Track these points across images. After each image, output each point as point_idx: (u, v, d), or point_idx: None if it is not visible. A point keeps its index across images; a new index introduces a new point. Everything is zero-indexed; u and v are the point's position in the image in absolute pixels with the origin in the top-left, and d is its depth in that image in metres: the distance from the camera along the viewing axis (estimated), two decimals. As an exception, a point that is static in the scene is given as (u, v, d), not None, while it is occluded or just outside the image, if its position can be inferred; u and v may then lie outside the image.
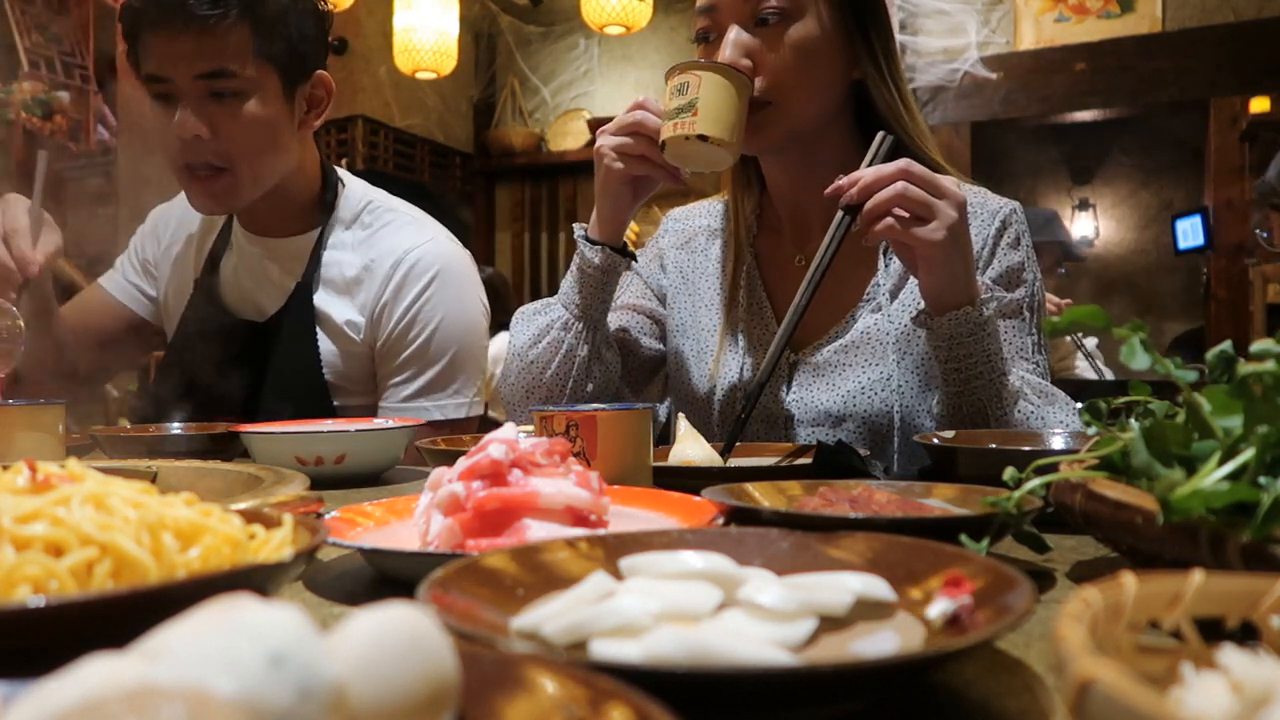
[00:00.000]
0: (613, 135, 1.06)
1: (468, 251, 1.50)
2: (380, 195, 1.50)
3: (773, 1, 1.06)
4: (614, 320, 1.26)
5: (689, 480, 0.82)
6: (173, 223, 1.56)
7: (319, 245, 1.41)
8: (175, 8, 1.19)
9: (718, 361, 1.19)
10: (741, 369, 1.17)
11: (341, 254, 1.42)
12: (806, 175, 1.16)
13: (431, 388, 1.41)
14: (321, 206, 1.43)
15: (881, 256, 1.15)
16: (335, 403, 1.40)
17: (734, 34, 1.06)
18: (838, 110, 1.14)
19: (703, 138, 0.98)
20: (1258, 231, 3.63)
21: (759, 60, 1.07)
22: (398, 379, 1.41)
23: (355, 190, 1.47)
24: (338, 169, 1.50)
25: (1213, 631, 0.32)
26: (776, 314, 1.19)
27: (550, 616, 0.38)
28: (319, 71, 1.35)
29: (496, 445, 0.59)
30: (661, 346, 1.29)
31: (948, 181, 0.94)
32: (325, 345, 1.39)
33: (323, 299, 1.40)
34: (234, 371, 1.39)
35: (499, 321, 2.58)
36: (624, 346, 1.24)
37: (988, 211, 1.15)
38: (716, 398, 1.18)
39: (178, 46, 1.21)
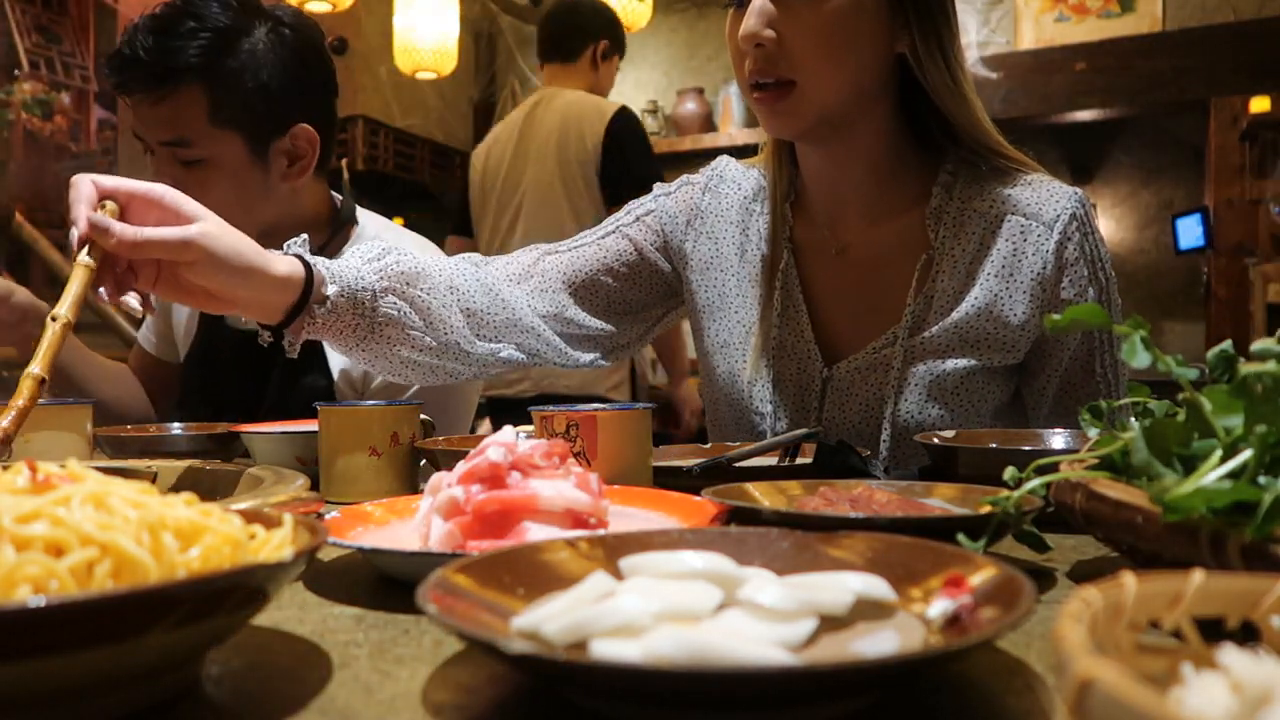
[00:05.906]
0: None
1: None
2: (393, 235, 1.47)
3: None
4: (589, 251, 1.15)
5: (689, 480, 0.82)
6: None
7: None
8: (131, 79, 1.25)
9: (751, 365, 1.13)
10: (772, 376, 1.12)
11: None
12: (844, 159, 1.07)
13: None
14: (328, 243, 1.40)
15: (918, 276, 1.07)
16: None
17: (759, 1, 0.98)
18: (880, 88, 1.03)
19: None
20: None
21: (784, 32, 0.97)
22: None
23: (369, 228, 1.46)
24: (358, 209, 1.48)
25: (1213, 631, 0.32)
26: (810, 312, 1.11)
27: (550, 616, 0.38)
28: (299, 125, 1.33)
29: (495, 448, 0.59)
30: (633, 291, 1.18)
31: None
32: (336, 363, 1.38)
33: None
34: (244, 390, 1.38)
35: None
36: (590, 281, 1.14)
37: (1043, 225, 1.02)
38: (743, 402, 1.13)
39: (141, 112, 1.27)
